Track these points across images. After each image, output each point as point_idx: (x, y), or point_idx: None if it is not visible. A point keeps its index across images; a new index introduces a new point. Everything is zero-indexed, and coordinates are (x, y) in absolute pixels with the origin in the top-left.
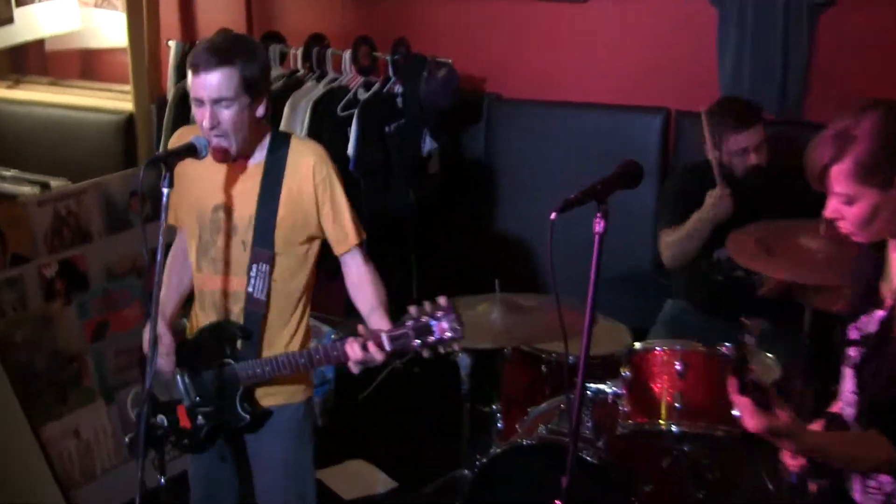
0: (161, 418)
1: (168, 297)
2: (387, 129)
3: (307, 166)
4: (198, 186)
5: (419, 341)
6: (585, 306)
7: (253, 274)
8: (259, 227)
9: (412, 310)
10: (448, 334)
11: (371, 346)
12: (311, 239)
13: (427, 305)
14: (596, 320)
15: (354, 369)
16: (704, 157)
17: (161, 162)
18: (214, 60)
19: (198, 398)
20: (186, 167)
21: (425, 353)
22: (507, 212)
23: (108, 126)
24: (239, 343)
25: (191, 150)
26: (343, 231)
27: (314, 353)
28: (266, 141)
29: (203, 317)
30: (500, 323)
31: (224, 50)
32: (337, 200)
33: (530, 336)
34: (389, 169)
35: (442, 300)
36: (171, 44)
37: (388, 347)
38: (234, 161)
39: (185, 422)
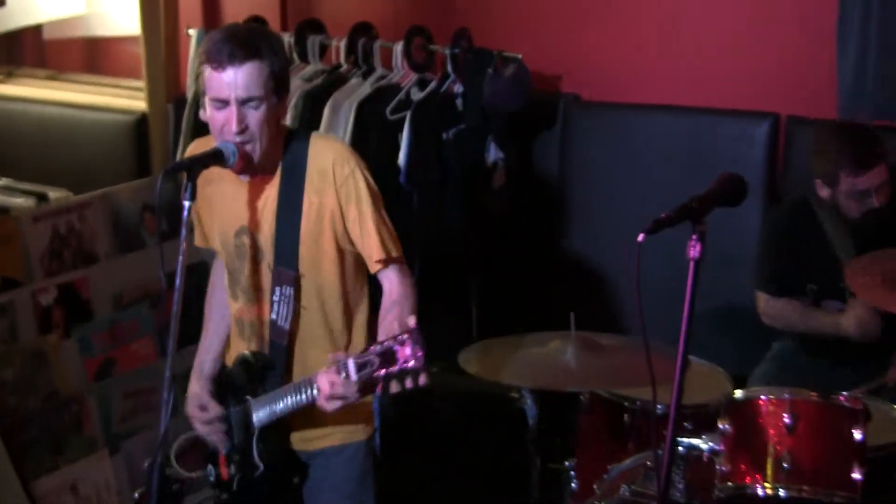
0: (210, 469)
1: (210, 345)
2: (444, 135)
3: (326, 167)
4: (219, 208)
5: (384, 371)
6: (677, 346)
7: (276, 298)
8: (280, 245)
9: (381, 333)
10: (410, 363)
11: (331, 377)
12: (341, 252)
13: (396, 325)
14: (689, 363)
15: (327, 406)
16: (813, 188)
17: (182, 170)
18: (242, 53)
19: (233, 443)
20: (205, 186)
21: (393, 388)
22: (585, 233)
23: (116, 128)
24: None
25: (217, 157)
26: (370, 243)
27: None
28: (283, 143)
29: (242, 346)
30: (575, 364)
31: (251, 41)
32: (363, 205)
33: (611, 380)
34: (447, 183)
35: (410, 319)
36: (192, 32)
37: (353, 377)
38: (254, 172)
39: (223, 472)
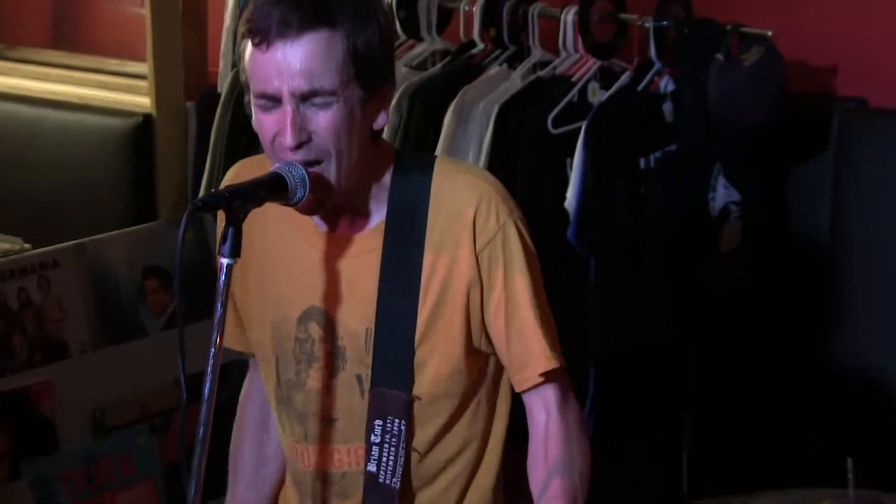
0: None
1: None
2: (642, 162)
3: (461, 215)
4: (275, 276)
5: None
6: None
7: (376, 438)
8: (384, 347)
9: None
10: None
11: None
12: (477, 357)
13: None
14: None
15: None
16: None
17: (218, 208)
18: (299, 18)
19: None
20: (253, 238)
21: None
22: (874, 328)
23: (102, 138)
24: None
25: (274, 187)
26: (525, 346)
27: None
28: (388, 176)
29: None
30: None
31: (319, 3)
32: (517, 283)
33: None
34: (644, 241)
35: None
36: None
37: None
38: (336, 216)
39: None
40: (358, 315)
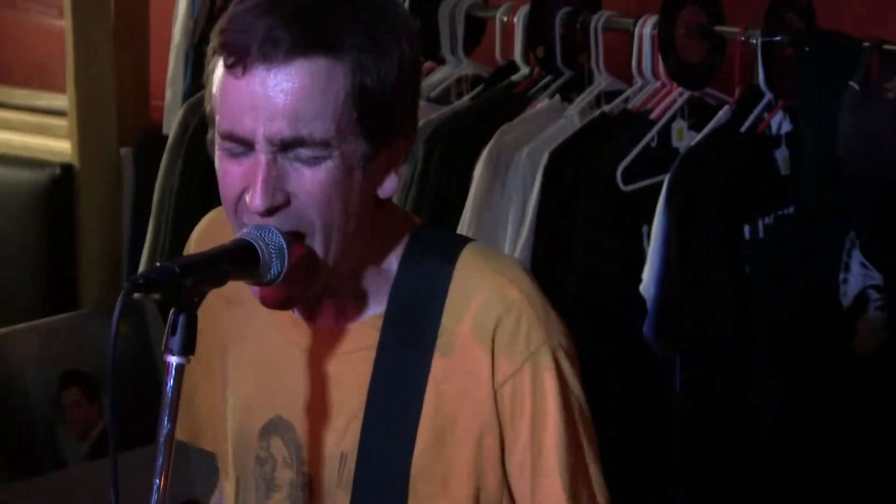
0: None
1: None
2: (748, 229)
3: (480, 333)
4: (239, 372)
5: None
6: None
7: None
8: (365, 485)
9: None
10: None
11: None
12: None
13: None
14: None
15: None
16: None
17: (166, 287)
18: (288, 39)
19: None
20: (216, 323)
21: None
22: None
23: (8, 195)
24: None
25: (243, 259)
26: None
27: None
28: (395, 257)
29: None
30: None
31: (316, 9)
32: (545, 444)
33: None
34: (750, 337)
35: None
36: None
37: None
38: (318, 303)
39: None
40: (334, 435)
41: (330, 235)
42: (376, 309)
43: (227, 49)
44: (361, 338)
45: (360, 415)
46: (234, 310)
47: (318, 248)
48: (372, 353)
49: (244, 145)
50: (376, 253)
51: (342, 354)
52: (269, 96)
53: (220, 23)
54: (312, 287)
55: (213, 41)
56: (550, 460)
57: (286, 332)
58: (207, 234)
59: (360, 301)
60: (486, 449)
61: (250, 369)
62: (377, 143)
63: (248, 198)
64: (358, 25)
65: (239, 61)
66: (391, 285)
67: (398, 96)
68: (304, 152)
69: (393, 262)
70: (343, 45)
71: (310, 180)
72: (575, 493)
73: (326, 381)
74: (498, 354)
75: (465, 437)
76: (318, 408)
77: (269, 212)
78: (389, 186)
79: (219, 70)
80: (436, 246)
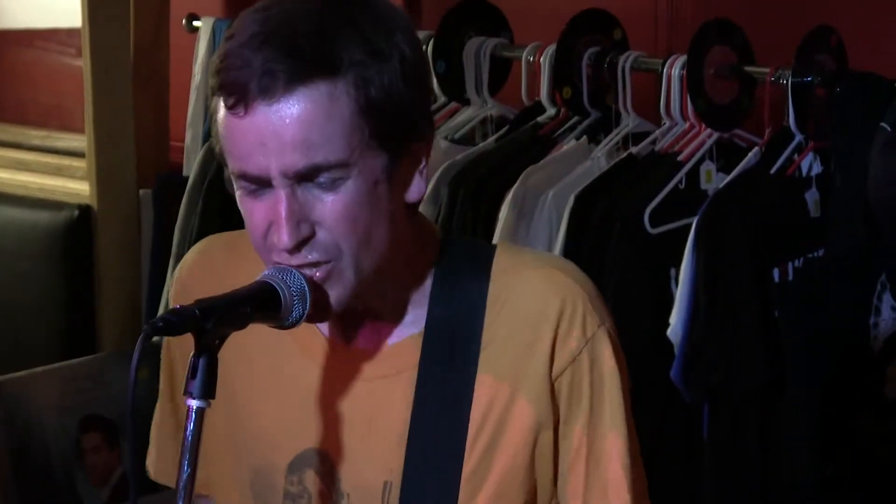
0: None
1: None
2: (777, 273)
3: (538, 329)
4: (248, 404)
5: None
6: None
7: None
8: None
9: None
10: None
11: None
12: None
13: None
14: None
15: None
16: None
17: (186, 331)
18: (286, 71)
19: None
20: (235, 354)
21: None
22: None
23: (26, 237)
24: None
25: (265, 303)
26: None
27: None
28: (429, 266)
29: None
30: None
31: (310, 37)
32: (605, 432)
33: None
34: (780, 383)
35: None
36: (201, 23)
37: None
38: (351, 320)
39: None
40: (376, 463)
41: (360, 255)
42: (413, 328)
43: (226, 89)
44: (401, 358)
45: (403, 441)
46: (245, 337)
47: (349, 269)
48: (411, 374)
49: (260, 183)
50: (411, 262)
51: (381, 378)
52: (276, 131)
53: (215, 61)
54: (341, 306)
55: (212, 81)
56: (614, 447)
57: (313, 353)
58: (200, 264)
59: (397, 317)
60: (541, 447)
61: (270, 399)
62: (395, 149)
63: (274, 236)
64: (354, 38)
65: (240, 101)
66: (428, 301)
67: (406, 100)
68: (323, 178)
69: (427, 273)
70: (342, 64)
71: (332, 206)
72: (637, 492)
73: (365, 407)
74: (557, 346)
75: (519, 441)
76: (356, 435)
77: (298, 247)
78: (416, 190)
79: (221, 111)
80: (467, 252)
